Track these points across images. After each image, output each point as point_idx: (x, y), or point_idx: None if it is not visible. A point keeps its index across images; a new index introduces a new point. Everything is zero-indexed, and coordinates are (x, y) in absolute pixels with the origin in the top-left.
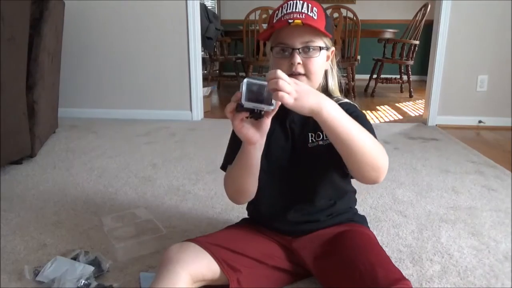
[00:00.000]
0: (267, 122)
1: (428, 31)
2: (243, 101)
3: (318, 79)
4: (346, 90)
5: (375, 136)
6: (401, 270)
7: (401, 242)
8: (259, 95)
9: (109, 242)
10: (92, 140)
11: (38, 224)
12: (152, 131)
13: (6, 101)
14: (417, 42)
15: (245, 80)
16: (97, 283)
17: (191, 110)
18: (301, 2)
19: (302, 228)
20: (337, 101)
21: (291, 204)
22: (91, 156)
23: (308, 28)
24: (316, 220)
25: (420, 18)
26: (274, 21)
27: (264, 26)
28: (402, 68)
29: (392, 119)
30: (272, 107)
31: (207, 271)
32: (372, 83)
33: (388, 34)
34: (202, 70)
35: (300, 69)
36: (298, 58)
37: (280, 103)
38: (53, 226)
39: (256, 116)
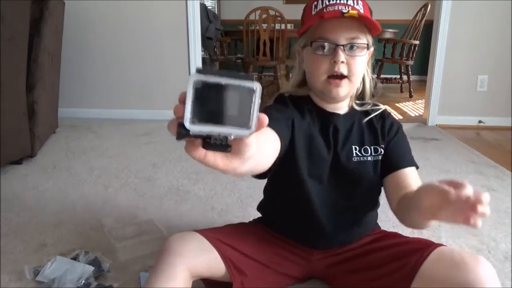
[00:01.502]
0: (247, 143)
1: (428, 31)
2: (187, 123)
3: (358, 83)
4: None
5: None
6: None
7: None
8: (224, 108)
9: (109, 242)
10: (92, 140)
11: (38, 224)
12: (152, 131)
13: (6, 101)
14: (417, 42)
15: (192, 79)
16: (97, 283)
17: None
18: None
19: (333, 243)
20: (373, 106)
21: (327, 216)
22: (91, 156)
23: (354, 22)
24: (350, 238)
25: (420, 18)
26: (313, 13)
27: (264, 26)
28: (402, 68)
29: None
30: (249, 132)
31: (206, 270)
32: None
33: (388, 34)
34: None
35: (344, 69)
36: (342, 56)
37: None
38: (53, 226)
39: (215, 148)
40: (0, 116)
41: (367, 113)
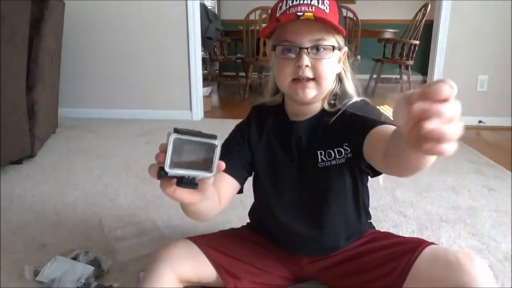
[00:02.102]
0: (208, 182)
1: (428, 31)
2: (166, 167)
3: (328, 85)
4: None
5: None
6: None
7: None
8: (194, 157)
9: (109, 242)
10: (92, 140)
11: (38, 224)
12: (152, 131)
13: (6, 101)
14: (417, 42)
15: (171, 137)
16: (97, 283)
17: (191, 110)
18: None
19: (317, 251)
20: (349, 100)
21: (303, 225)
22: (91, 156)
23: (319, 23)
24: (336, 245)
25: (420, 18)
26: (278, 14)
27: (264, 26)
28: (402, 68)
29: (392, 119)
30: (211, 174)
31: (195, 275)
32: (372, 83)
33: (388, 34)
34: (202, 70)
35: (309, 73)
36: (306, 60)
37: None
38: (53, 226)
39: (187, 185)
40: (0, 116)
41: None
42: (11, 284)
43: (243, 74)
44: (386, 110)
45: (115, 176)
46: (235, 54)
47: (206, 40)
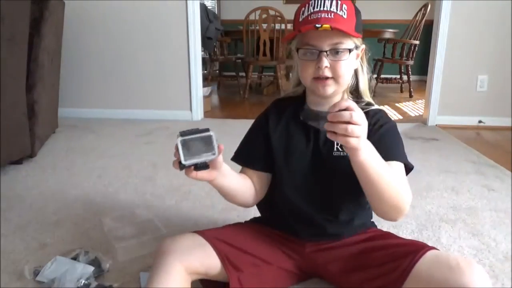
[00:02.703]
0: (217, 160)
1: (428, 31)
2: (182, 161)
3: (347, 81)
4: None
5: (403, 151)
6: None
7: None
8: (199, 148)
9: (109, 242)
10: (92, 140)
11: (38, 224)
12: (152, 131)
13: (6, 101)
14: (417, 42)
15: (178, 140)
16: (97, 283)
17: (191, 110)
18: None
19: (321, 235)
20: (367, 105)
21: (311, 208)
22: (91, 156)
23: (344, 26)
24: (340, 232)
25: (420, 18)
26: (300, 19)
27: (264, 26)
28: (402, 68)
29: (392, 119)
30: (215, 156)
31: (201, 266)
32: (372, 83)
33: (388, 34)
34: (202, 70)
35: (328, 73)
36: (326, 62)
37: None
38: (53, 226)
39: (202, 168)
40: (0, 116)
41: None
42: (11, 284)
43: (243, 74)
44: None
45: (115, 176)
46: (235, 54)
47: (206, 40)
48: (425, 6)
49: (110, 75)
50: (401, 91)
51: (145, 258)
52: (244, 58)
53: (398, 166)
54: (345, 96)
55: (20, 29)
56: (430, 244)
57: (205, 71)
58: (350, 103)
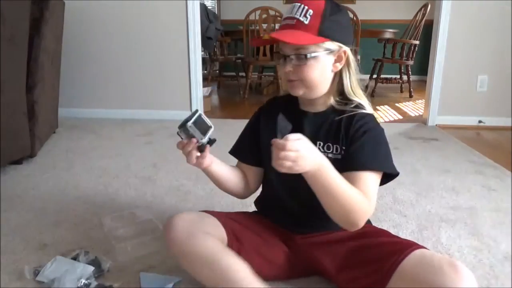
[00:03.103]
0: (207, 150)
1: (428, 31)
2: (202, 140)
3: (320, 85)
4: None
5: (384, 160)
6: None
7: None
8: (202, 126)
9: (109, 242)
10: (92, 140)
11: (38, 224)
12: (152, 131)
13: (6, 101)
14: (417, 42)
15: (189, 125)
16: (97, 283)
17: (191, 110)
18: (300, 4)
19: (307, 228)
20: (356, 107)
21: (295, 202)
22: (91, 156)
23: (300, 35)
24: (325, 226)
25: (420, 18)
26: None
27: (264, 26)
28: (402, 68)
29: (392, 119)
30: (213, 127)
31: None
32: (372, 83)
33: (388, 34)
34: (202, 70)
35: (293, 76)
36: (288, 66)
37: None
38: (53, 226)
39: (202, 148)
40: (0, 116)
41: (345, 112)
42: (11, 284)
43: (243, 74)
44: (383, 111)
45: (115, 176)
46: (235, 54)
47: (206, 40)
48: (425, 6)
49: (110, 75)
50: (401, 91)
51: (145, 258)
52: (244, 58)
53: (368, 178)
54: (331, 99)
55: (20, 29)
56: (430, 244)
57: (205, 71)
58: (289, 136)
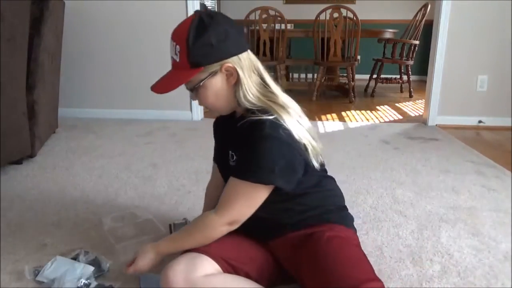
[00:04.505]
0: None
1: (428, 31)
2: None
3: (222, 104)
4: (346, 90)
5: (256, 169)
6: (401, 270)
7: (401, 242)
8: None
9: (109, 242)
10: (92, 140)
11: (38, 224)
12: (152, 131)
13: (6, 101)
14: (417, 42)
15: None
16: (97, 283)
17: (191, 110)
18: (172, 42)
19: (262, 235)
20: (257, 113)
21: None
22: (91, 156)
23: (176, 72)
24: (272, 232)
25: (420, 18)
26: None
27: (264, 26)
28: (402, 68)
29: (392, 119)
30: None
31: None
32: (372, 83)
33: (388, 34)
34: None
35: (200, 104)
36: (192, 96)
37: None
38: (53, 226)
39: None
40: (0, 116)
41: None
42: (11, 284)
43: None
44: (383, 111)
45: (115, 176)
46: None
47: None
48: (425, 6)
49: (110, 75)
50: (401, 91)
51: None
52: None
53: (231, 184)
54: (240, 109)
55: (20, 29)
56: (430, 244)
57: None
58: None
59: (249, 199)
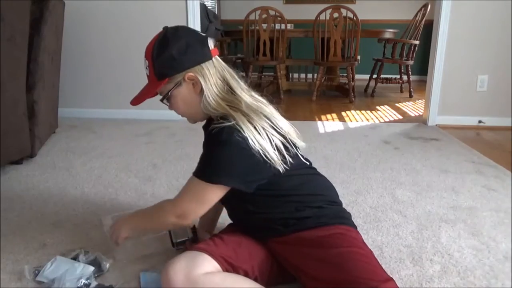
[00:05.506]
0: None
1: (428, 31)
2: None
3: (192, 111)
4: (346, 90)
5: (207, 167)
6: (401, 270)
7: (401, 242)
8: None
9: (109, 242)
10: (92, 140)
11: (38, 224)
12: (152, 131)
13: (6, 101)
14: (417, 42)
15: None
16: (97, 283)
17: None
18: (144, 58)
19: (258, 236)
20: (220, 119)
21: (239, 219)
22: (91, 156)
23: (149, 85)
24: (266, 233)
25: (420, 18)
26: None
27: (264, 26)
28: (402, 68)
29: (392, 119)
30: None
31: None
32: (372, 83)
33: (388, 34)
34: None
35: (176, 112)
36: (169, 107)
37: None
38: (53, 226)
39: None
40: (0, 116)
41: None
42: (11, 284)
43: (243, 74)
44: (383, 111)
45: (115, 176)
46: (235, 54)
47: None
48: (425, 6)
49: (110, 75)
50: (401, 91)
51: (145, 258)
52: (244, 58)
53: (190, 181)
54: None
55: (20, 29)
56: (430, 244)
57: None
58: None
59: (198, 196)
